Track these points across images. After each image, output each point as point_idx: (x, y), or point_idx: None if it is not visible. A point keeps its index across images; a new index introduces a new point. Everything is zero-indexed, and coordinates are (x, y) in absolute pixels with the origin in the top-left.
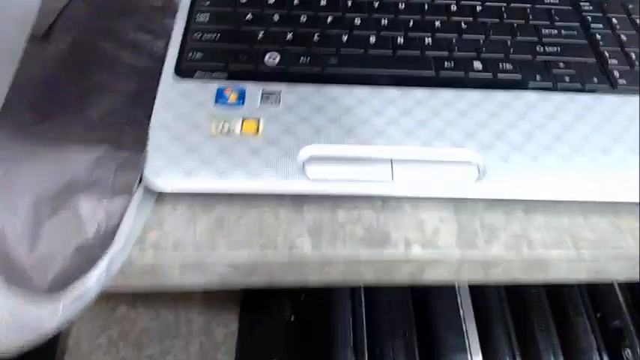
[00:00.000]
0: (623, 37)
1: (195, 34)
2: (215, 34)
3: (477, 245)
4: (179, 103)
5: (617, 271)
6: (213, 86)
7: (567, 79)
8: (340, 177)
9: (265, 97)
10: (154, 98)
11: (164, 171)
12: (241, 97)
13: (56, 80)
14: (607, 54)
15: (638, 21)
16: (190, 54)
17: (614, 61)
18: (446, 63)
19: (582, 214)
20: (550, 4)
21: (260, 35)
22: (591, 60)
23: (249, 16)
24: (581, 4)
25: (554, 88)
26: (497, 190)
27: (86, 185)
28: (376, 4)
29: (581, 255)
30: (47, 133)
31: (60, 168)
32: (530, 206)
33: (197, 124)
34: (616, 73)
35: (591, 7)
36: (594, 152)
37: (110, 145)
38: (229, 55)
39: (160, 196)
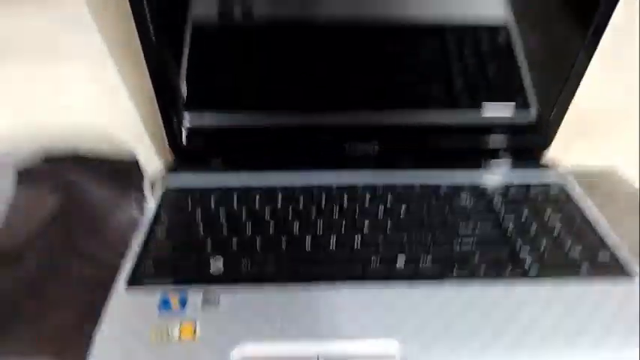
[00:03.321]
0: (533, 229)
1: (151, 247)
2: (169, 247)
3: None
4: (126, 313)
5: None
6: (159, 294)
7: (482, 270)
8: None
9: (205, 300)
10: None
11: None
12: (183, 302)
13: (20, 296)
14: (519, 245)
15: (546, 213)
16: (143, 265)
17: (525, 251)
18: (373, 260)
19: None
20: (466, 204)
21: (208, 244)
22: (504, 251)
23: (201, 229)
24: (494, 202)
25: (470, 279)
26: None
27: None
28: (313, 213)
29: None
30: None
31: None
32: None
33: (140, 333)
34: (527, 262)
35: (503, 205)
36: (509, 343)
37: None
38: (178, 264)
39: None
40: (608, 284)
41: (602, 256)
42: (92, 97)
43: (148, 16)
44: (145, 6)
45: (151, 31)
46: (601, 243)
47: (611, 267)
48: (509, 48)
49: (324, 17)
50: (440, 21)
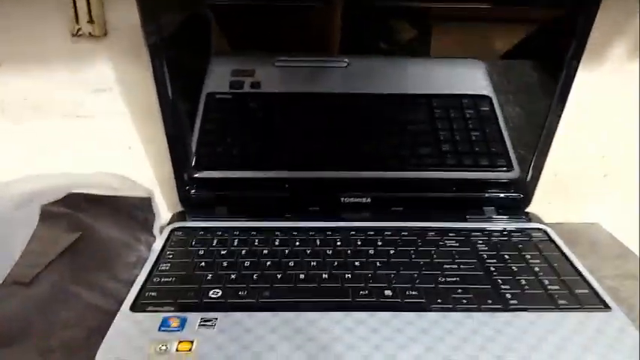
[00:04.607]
0: (514, 268)
1: (155, 279)
2: (171, 278)
3: None
4: (129, 331)
5: None
6: (161, 316)
7: (465, 301)
8: None
9: (203, 323)
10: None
11: None
12: (182, 323)
13: (31, 315)
14: (500, 281)
15: (527, 256)
16: (147, 293)
17: (506, 286)
18: (361, 292)
19: None
20: (451, 246)
21: (208, 277)
22: (486, 286)
23: (202, 264)
24: (478, 246)
25: (453, 309)
26: None
27: None
28: (308, 252)
29: None
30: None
31: None
32: None
33: (140, 347)
34: (508, 295)
35: (487, 248)
36: None
37: None
38: (179, 293)
39: None
40: (585, 315)
41: (580, 291)
42: (113, 150)
43: (168, 82)
44: (166, 73)
45: (169, 96)
46: (579, 280)
47: (588, 300)
48: (491, 114)
49: (323, 90)
50: (429, 92)
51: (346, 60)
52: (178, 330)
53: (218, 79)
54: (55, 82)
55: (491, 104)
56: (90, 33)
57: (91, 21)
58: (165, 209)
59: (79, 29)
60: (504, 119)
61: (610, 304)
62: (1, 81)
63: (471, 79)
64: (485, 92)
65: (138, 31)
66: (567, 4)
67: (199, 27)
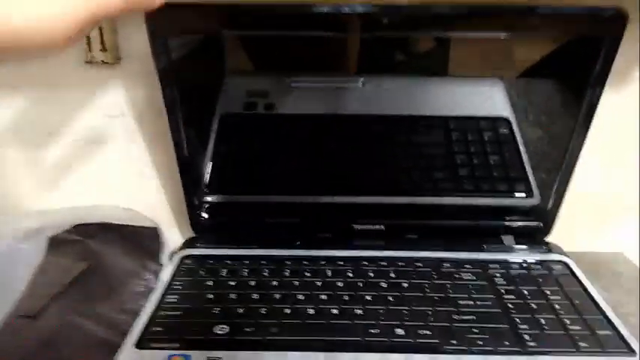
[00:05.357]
0: (534, 306)
1: (162, 312)
2: (178, 312)
3: None
4: None
5: None
6: (165, 354)
7: (481, 342)
8: None
9: None
10: None
11: None
12: None
13: (36, 349)
14: (518, 320)
15: (547, 291)
16: (152, 328)
17: (524, 326)
18: (372, 330)
19: None
20: (468, 280)
21: (216, 311)
22: (504, 326)
23: (210, 296)
24: (495, 279)
25: (468, 352)
26: None
27: None
28: (318, 284)
29: None
30: None
31: None
32: None
33: None
34: (526, 337)
35: (505, 282)
36: None
37: None
38: (185, 329)
39: None
40: None
41: (603, 333)
42: (122, 176)
43: (179, 107)
44: (177, 98)
45: (180, 121)
46: (602, 320)
47: (611, 343)
48: (510, 137)
49: (338, 111)
50: (446, 114)
51: (362, 80)
52: None
53: (231, 100)
54: (68, 108)
55: (511, 127)
56: (102, 60)
57: (103, 49)
58: (177, 234)
59: (92, 57)
60: (524, 143)
61: (635, 348)
62: (15, 107)
63: (489, 99)
64: (504, 114)
65: (151, 57)
66: (591, 27)
67: (212, 49)
